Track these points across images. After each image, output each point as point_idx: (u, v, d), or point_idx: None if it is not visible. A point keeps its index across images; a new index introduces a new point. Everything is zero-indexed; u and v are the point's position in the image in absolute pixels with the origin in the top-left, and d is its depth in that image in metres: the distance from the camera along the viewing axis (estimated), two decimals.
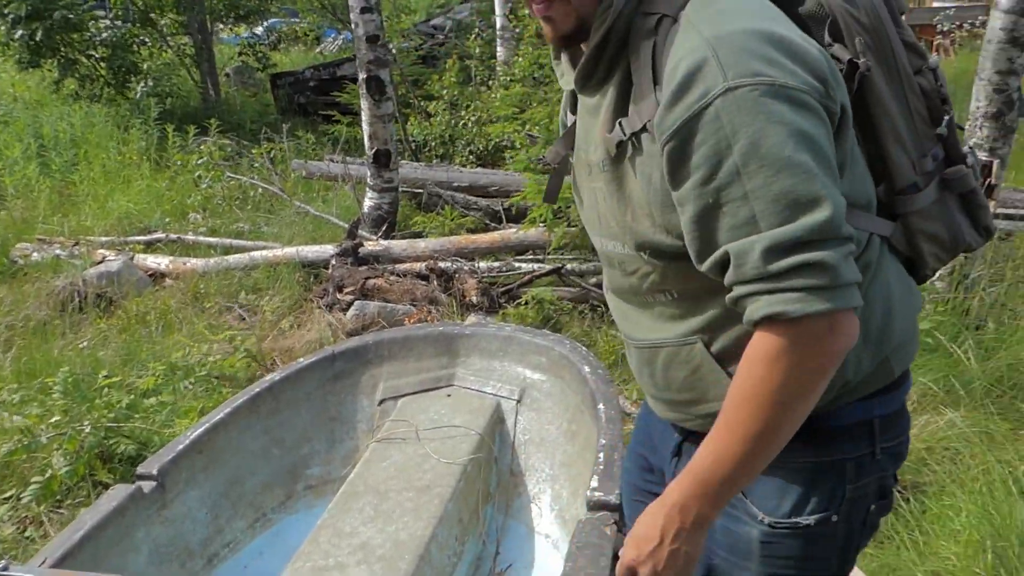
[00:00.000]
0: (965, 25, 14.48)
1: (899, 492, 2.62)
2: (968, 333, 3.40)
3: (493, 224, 5.16)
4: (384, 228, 5.00)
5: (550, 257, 4.42)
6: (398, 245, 4.61)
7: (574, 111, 1.31)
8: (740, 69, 0.95)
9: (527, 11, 7.23)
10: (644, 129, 1.07)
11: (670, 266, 1.15)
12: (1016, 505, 2.53)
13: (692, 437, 1.29)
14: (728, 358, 1.16)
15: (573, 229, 4.19)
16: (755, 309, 0.99)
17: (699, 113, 0.97)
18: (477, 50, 7.88)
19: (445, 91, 7.12)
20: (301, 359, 2.59)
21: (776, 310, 0.97)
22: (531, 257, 4.56)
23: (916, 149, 1.19)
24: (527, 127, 5.32)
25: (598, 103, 1.17)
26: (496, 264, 4.48)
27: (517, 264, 4.47)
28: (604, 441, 1.99)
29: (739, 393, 1.04)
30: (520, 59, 7.01)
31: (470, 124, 6.76)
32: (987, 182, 3.29)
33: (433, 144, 7.00)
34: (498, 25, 8.16)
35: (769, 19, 1.03)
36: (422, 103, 7.49)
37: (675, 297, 1.19)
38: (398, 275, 4.36)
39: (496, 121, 5.75)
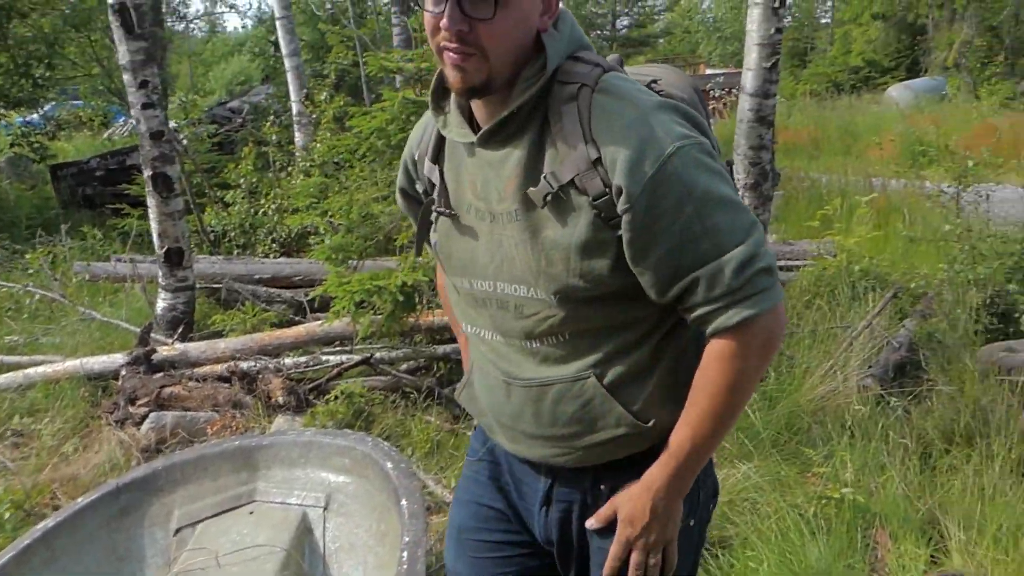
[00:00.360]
0: (734, 91, 15.93)
1: (706, 550, 2.72)
2: None
3: (298, 317, 5.02)
4: (180, 330, 4.72)
5: (358, 347, 4.34)
6: (196, 348, 4.36)
7: (436, 161, 1.40)
8: (676, 133, 1.19)
9: (322, 96, 7.14)
10: (572, 183, 1.21)
11: (574, 310, 1.28)
12: (809, 545, 2.70)
13: (561, 479, 1.43)
14: (619, 388, 1.32)
15: (379, 317, 4.13)
16: (729, 317, 1.21)
17: (658, 173, 1.17)
18: (274, 136, 7.76)
19: (243, 179, 6.93)
20: (79, 499, 2.35)
21: (747, 313, 1.20)
22: (339, 348, 4.46)
23: None
24: (328, 215, 5.25)
25: (504, 156, 1.27)
26: (303, 359, 4.33)
27: (325, 357, 4.34)
28: (407, 538, 1.97)
29: (712, 385, 1.26)
30: (318, 145, 6.96)
31: (270, 212, 6.59)
32: None
33: (233, 234, 6.77)
34: (294, 111, 8.08)
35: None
36: (219, 192, 7.24)
37: (566, 339, 1.32)
38: (198, 380, 4.11)
39: (295, 212, 5.63)
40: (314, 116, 7.77)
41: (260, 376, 4.10)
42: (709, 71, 29.18)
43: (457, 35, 1.17)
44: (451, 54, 1.20)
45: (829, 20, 36.92)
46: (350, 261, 4.47)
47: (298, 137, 8.02)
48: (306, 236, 6.37)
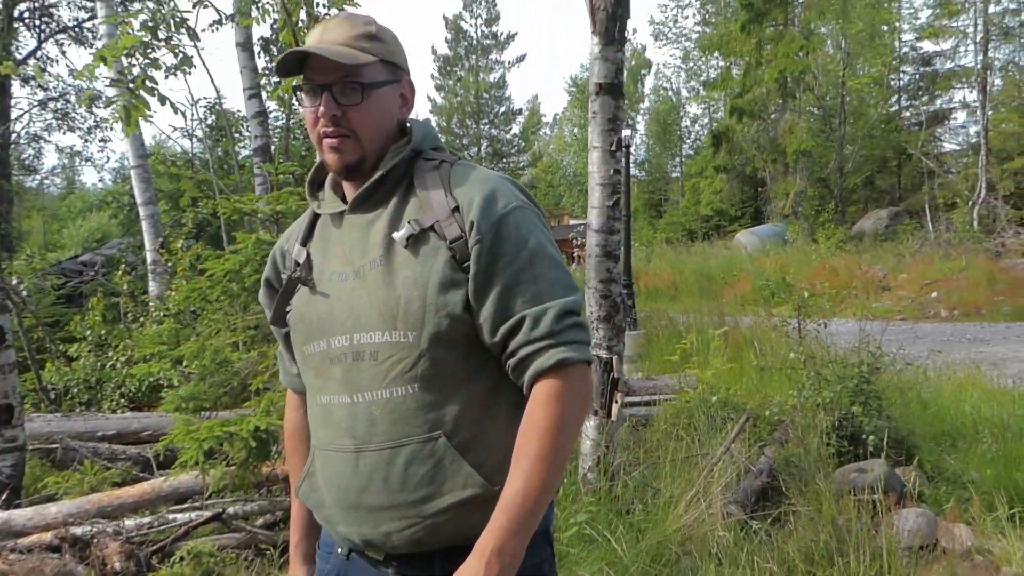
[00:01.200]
0: None
1: None
2: (620, 519, 3.58)
3: (144, 474, 4.66)
4: (6, 496, 4.28)
5: (209, 502, 4.04)
6: (22, 515, 3.94)
7: (304, 243, 1.55)
8: (521, 197, 1.44)
9: (179, 245, 6.97)
10: (432, 228, 1.39)
11: (429, 351, 1.36)
12: None
13: (404, 569, 1.44)
14: (469, 448, 1.38)
15: (232, 468, 3.89)
16: (545, 360, 1.34)
17: (505, 216, 1.38)
18: (126, 286, 7.45)
19: (89, 331, 6.56)
20: None
21: (563, 356, 1.34)
22: (189, 505, 4.13)
23: None
24: (184, 363, 5.01)
25: (373, 217, 1.44)
26: (146, 520, 3.98)
27: (172, 516, 4.01)
28: None
29: (537, 430, 1.32)
30: (173, 293, 6.73)
31: (119, 365, 6.23)
32: (611, 376, 3.58)
33: (76, 390, 6.33)
34: (149, 260, 7.84)
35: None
36: (62, 346, 6.81)
37: (418, 388, 1.37)
38: (22, 551, 3.70)
39: (144, 360, 5.34)
40: (170, 265, 7.55)
41: (95, 541, 3.73)
42: (572, 221, 30.60)
43: (332, 120, 1.41)
44: (329, 139, 1.42)
45: (679, 174, 39.80)
46: (202, 412, 4.24)
47: (153, 287, 7.74)
48: (158, 389, 6.03)
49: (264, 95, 9.38)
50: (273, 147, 9.19)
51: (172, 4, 4.17)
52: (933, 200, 22.17)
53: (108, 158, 31.82)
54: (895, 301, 13.19)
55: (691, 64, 37.67)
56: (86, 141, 21.08)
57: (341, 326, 1.43)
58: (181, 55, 4.43)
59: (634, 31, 55.63)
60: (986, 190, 20.15)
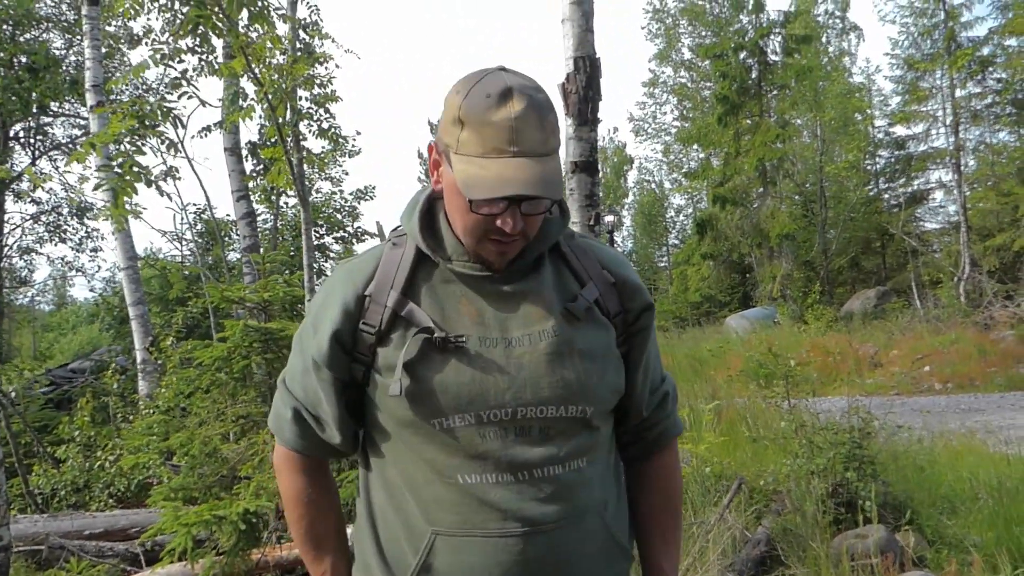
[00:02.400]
0: None
1: None
2: None
3: (132, 569, 4.57)
4: None
5: None
6: None
7: (407, 294, 1.34)
8: None
9: (168, 342, 6.95)
10: (596, 302, 1.37)
11: (597, 427, 1.36)
12: None
13: None
14: (614, 520, 1.39)
15: (221, 557, 3.83)
16: (675, 428, 1.52)
17: (650, 300, 1.45)
18: (116, 385, 7.43)
19: (78, 432, 6.51)
20: None
21: (680, 425, 1.55)
22: None
23: None
24: (174, 457, 4.97)
25: (530, 284, 1.35)
26: None
27: None
28: None
29: (675, 499, 1.52)
30: (164, 390, 6.71)
31: (107, 465, 6.16)
32: None
33: (64, 492, 6.23)
34: (139, 359, 7.84)
35: None
36: (50, 449, 6.74)
37: (588, 463, 1.35)
38: None
39: (131, 453, 5.29)
40: (160, 363, 7.56)
41: None
42: None
43: (518, 231, 1.26)
44: (497, 245, 1.29)
45: (666, 263, 40.28)
46: (192, 503, 4.19)
47: (142, 386, 7.72)
48: (147, 488, 5.95)
49: (252, 197, 9.60)
50: (262, 248, 9.34)
51: (159, 95, 4.34)
52: (919, 278, 22.43)
53: (99, 267, 32.13)
54: (888, 377, 13.21)
55: (672, 157, 38.61)
56: (77, 252, 21.30)
57: (498, 399, 1.28)
58: (168, 141, 4.59)
59: (615, 129, 57.30)
60: (970, 266, 20.42)
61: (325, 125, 5.67)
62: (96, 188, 4.02)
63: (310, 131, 6.02)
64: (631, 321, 1.41)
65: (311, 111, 4.80)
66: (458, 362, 1.29)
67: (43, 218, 20.14)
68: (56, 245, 20.78)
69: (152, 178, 4.14)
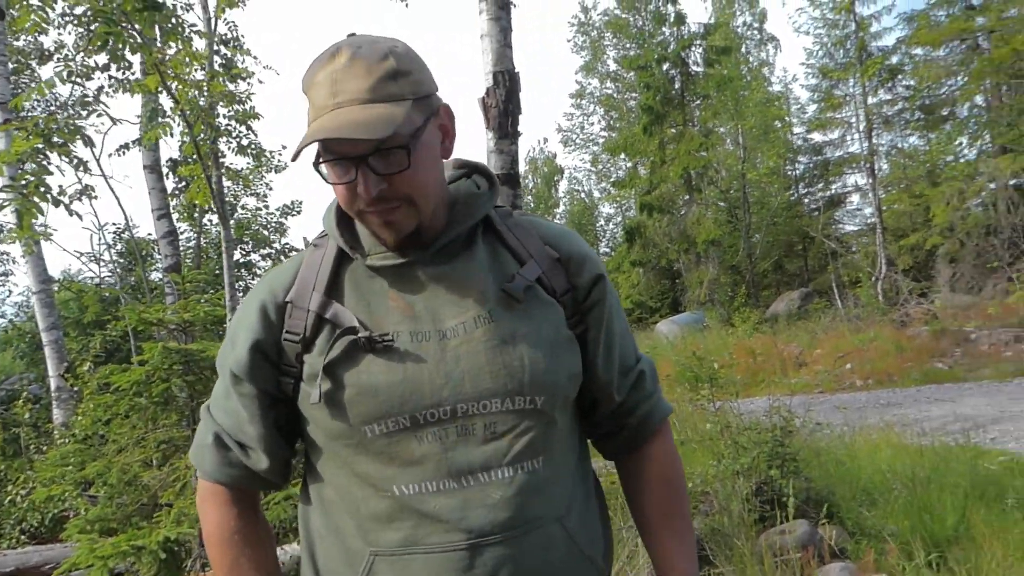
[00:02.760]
0: None
1: None
2: None
3: None
4: None
5: None
6: None
7: (330, 295, 1.24)
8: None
9: (85, 368, 6.71)
10: (539, 280, 1.25)
11: (551, 418, 1.21)
12: None
13: None
14: (578, 529, 1.24)
15: None
16: (661, 409, 1.36)
17: (602, 271, 1.31)
18: (28, 415, 7.15)
19: None
20: None
21: (668, 407, 1.38)
22: None
23: None
24: (91, 488, 4.81)
25: (459, 267, 1.23)
26: None
27: None
28: None
29: (680, 489, 1.35)
30: (81, 418, 6.48)
31: (19, 500, 5.91)
32: None
33: None
34: (53, 387, 7.57)
35: None
36: None
37: (545, 462, 1.20)
38: None
39: (44, 486, 5.10)
40: (76, 390, 7.30)
41: None
42: None
43: (378, 195, 1.14)
44: (374, 216, 1.17)
45: None
46: (110, 535, 4.06)
47: (57, 414, 7.44)
48: (63, 522, 5.73)
49: (175, 216, 9.39)
50: (184, 268, 9.14)
51: (66, 112, 4.21)
52: (839, 279, 23.13)
53: (10, 292, 30.76)
54: (812, 376, 13.57)
55: (600, 166, 39.13)
56: None
57: (434, 397, 1.17)
58: (76, 160, 4.46)
59: (545, 140, 57.72)
60: (887, 266, 21.17)
61: (245, 142, 5.56)
62: (3, 206, 3.86)
63: (230, 148, 5.92)
64: (582, 298, 1.28)
65: (230, 128, 4.70)
66: (388, 361, 1.18)
67: None
68: None
69: (60, 198, 4.01)
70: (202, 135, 4.60)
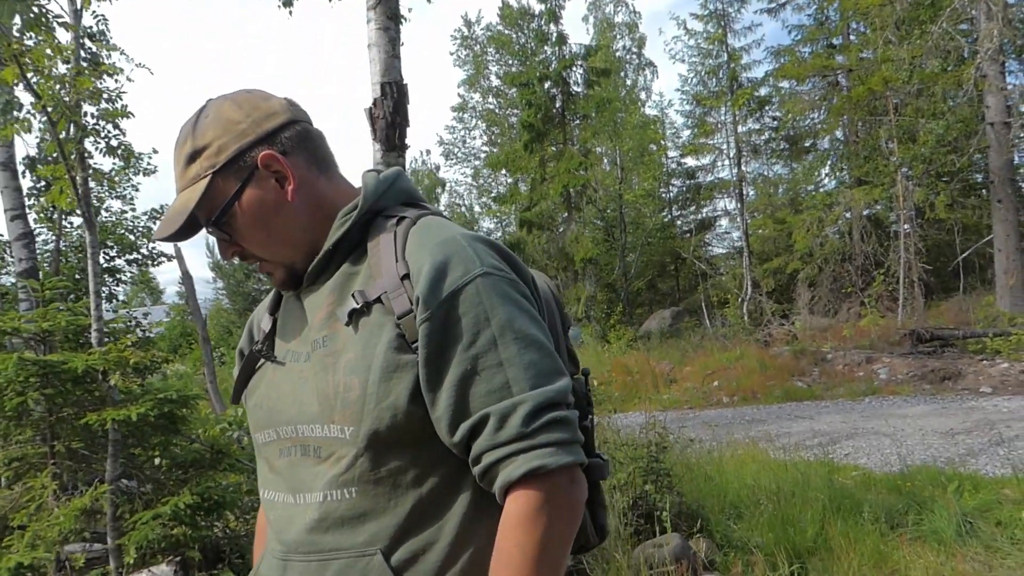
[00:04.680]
0: None
1: None
2: None
3: None
4: None
5: None
6: None
7: (273, 312, 1.37)
8: (488, 261, 1.14)
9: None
10: (378, 300, 1.16)
11: (371, 448, 1.13)
12: None
13: None
14: (407, 570, 1.12)
15: None
16: (514, 468, 1.06)
17: (461, 288, 1.11)
18: None
19: None
20: None
21: (535, 464, 1.06)
22: None
23: None
24: None
25: (319, 290, 1.24)
26: None
27: None
28: None
29: (511, 561, 1.05)
30: None
31: None
32: None
33: None
34: None
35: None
36: None
37: (358, 492, 1.14)
38: None
39: None
40: None
41: None
42: None
43: (237, 255, 1.27)
44: (257, 271, 1.32)
45: None
46: None
47: None
48: None
49: (32, 217, 8.83)
50: (40, 272, 8.59)
51: None
52: (708, 299, 24.12)
53: None
54: (682, 392, 14.05)
55: (481, 181, 39.38)
56: None
57: (286, 415, 1.23)
58: None
59: (428, 152, 57.62)
60: (752, 288, 22.22)
61: (115, 142, 5.28)
62: None
63: (97, 148, 5.61)
64: (420, 325, 1.12)
65: (98, 127, 4.46)
66: (272, 377, 1.30)
67: None
68: None
69: None
70: (65, 134, 4.35)
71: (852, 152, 22.73)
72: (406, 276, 1.15)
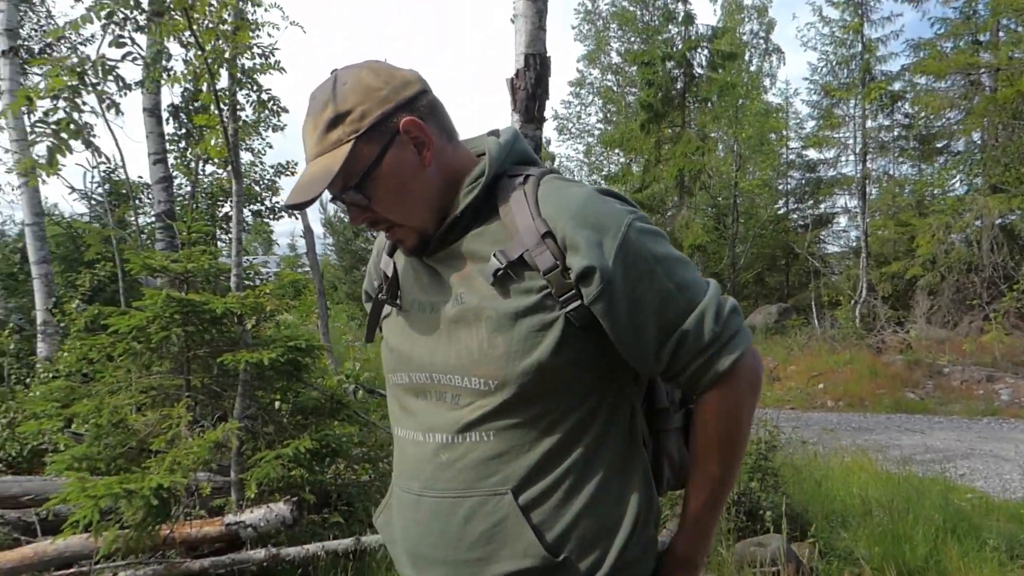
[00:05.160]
0: None
1: None
2: None
3: (25, 538, 4.36)
4: None
5: (99, 567, 3.81)
6: None
7: (391, 254, 1.44)
8: (625, 209, 1.25)
9: (73, 306, 6.66)
10: (520, 258, 1.22)
11: (509, 400, 1.21)
12: None
13: None
14: (535, 508, 1.22)
15: (127, 531, 3.70)
16: (722, 364, 1.24)
17: (623, 242, 1.19)
18: (12, 346, 7.05)
19: None
20: None
21: (736, 355, 1.24)
22: (75, 571, 3.88)
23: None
24: (74, 424, 4.77)
25: (453, 249, 1.30)
26: None
27: None
28: None
29: (721, 442, 1.28)
30: (65, 354, 6.42)
31: (0, 427, 5.85)
32: None
33: None
34: (39, 320, 7.47)
35: None
36: None
37: (495, 438, 1.22)
38: None
39: (33, 418, 5.04)
40: (62, 325, 7.21)
41: None
42: None
43: (370, 223, 1.30)
44: (385, 236, 1.36)
45: None
46: (95, 474, 4.03)
47: (41, 348, 7.35)
48: (40, 455, 5.68)
49: (171, 161, 9.26)
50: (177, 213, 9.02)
51: (100, 53, 4.13)
52: (819, 298, 23.36)
53: None
54: (785, 391, 13.72)
55: (593, 158, 39.03)
56: None
57: (420, 362, 1.32)
58: (108, 100, 4.39)
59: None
60: (867, 290, 21.40)
61: (265, 96, 5.49)
62: (31, 145, 3.81)
63: (248, 101, 5.84)
64: (576, 281, 1.21)
65: (250, 81, 4.67)
66: (401, 324, 1.38)
67: None
68: None
69: (90, 138, 3.97)
70: (222, 86, 4.54)
71: (990, 157, 21.47)
72: (547, 234, 1.22)
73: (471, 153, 1.37)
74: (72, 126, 3.90)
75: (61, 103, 3.92)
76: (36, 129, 3.94)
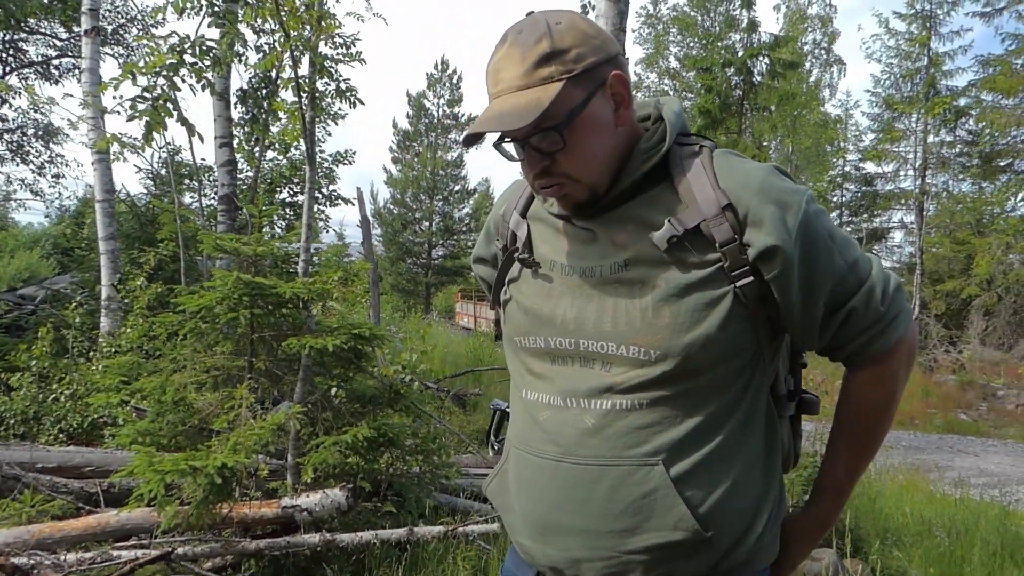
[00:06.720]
0: None
1: None
2: None
3: (88, 508, 4.47)
4: None
5: (158, 541, 3.89)
6: None
7: (524, 215, 1.40)
8: (798, 188, 1.23)
9: (137, 283, 6.78)
10: (697, 228, 1.19)
11: (667, 372, 1.18)
12: None
13: None
14: (687, 481, 1.18)
15: (187, 507, 3.77)
16: (886, 340, 1.26)
17: (804, 219, 1.19)
18: (77, 319, 7.22)
19: (34, 362, 6.32)
20: None
21: (900, 332, 1.27)
22: (135, 543, 3.97)
23: (787, 368, 1.44)
24: (135, 399, 4.87)
25: (618, 213, 1.25)
26: (88, 555, 3.81)
27: (116, 553, 3.84)
28: None
29: (872, 414, 1.32)
30: (128, 330, 6.56)
31: (63, 399, 6.00)
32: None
33: (13, 421, 6.05)
34: (104, 295, 7.64)
35: None
36: (1, 375, 6.54)
37: (648, 407, 1.19)
38: None
39: (99, 391, 5.16)
40: (126, 301, 7.36)
41: (35, 572, 3.55)
42: None
43: (543, 172, 1.22)
44: (547, 189, 1.25)
45: None
46: (158, 449, 4.11)
47: (105, 323, 7.51)
48: (99, 428, 5.81)
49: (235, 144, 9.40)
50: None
51: (199, 33, 4.22)
52: None
53: (59, 194, 30.86)
54: (833, 405, 13.50)
55: None
56: (38, 175, 20.60)
57: (564, 328, 1.27)
58: (204, 80, 4.47)
59: None
60: (920, 308, 20.98)
61: (343, 86, 5.53)
62: (130, 119, 3.91)
63: (327, 90, 5.90)
64: (754, 256, 1.19)
65: (331, 69, 4.70)
66: (540, 287, 1.32)
67: (5, 136, 19.42)
68: (17, 165, 20.02)
69: (185, 115, 4.06)
70: (304, 74, 4.59)
71: None
72: (728, 206, 1.19)
73: (637, 122, 1.35)
74: (169, 104, 3.99)
75: (161, 80, 4.00)
76: (137, 104, 4.02)
